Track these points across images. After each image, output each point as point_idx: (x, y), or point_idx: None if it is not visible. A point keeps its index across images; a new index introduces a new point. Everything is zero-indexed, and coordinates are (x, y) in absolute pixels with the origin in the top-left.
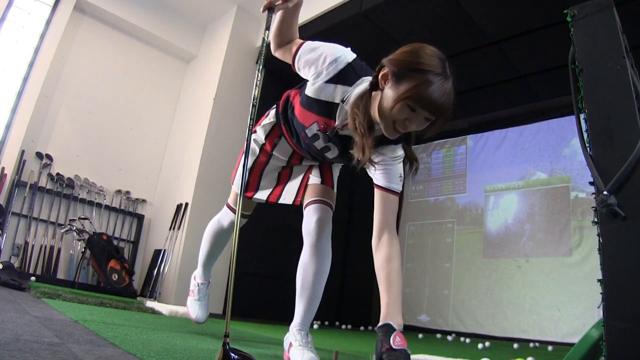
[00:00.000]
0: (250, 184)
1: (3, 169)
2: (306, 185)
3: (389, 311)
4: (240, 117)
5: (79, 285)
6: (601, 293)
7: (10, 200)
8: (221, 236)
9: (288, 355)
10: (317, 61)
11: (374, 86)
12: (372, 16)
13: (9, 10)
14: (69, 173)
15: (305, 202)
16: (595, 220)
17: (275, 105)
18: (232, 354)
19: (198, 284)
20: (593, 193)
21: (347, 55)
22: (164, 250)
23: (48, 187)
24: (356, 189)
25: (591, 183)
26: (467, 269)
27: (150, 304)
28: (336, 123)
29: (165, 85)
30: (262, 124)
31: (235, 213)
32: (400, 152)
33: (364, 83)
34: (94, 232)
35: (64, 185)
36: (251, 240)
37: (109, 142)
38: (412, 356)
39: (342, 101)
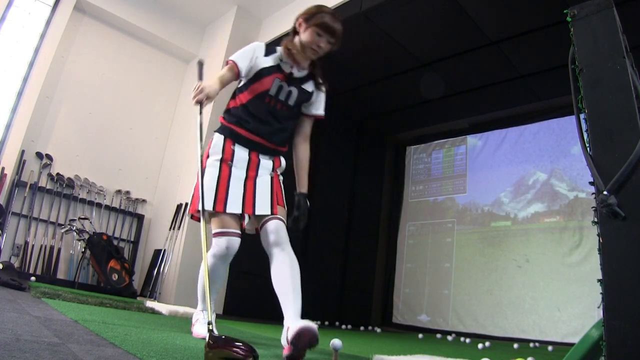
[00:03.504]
0: (219, 198)
1: (3, 169)
2: (277, 198)
3: (304, 183)
4: None
5: (79, 285)
6: (601, 293)
7: (10, 200)
8: (222, 266)
9: (289, 347)
10: (250, 54)
11: (294, 33)
12: (372, 16)
13: (9, 10)
14: (69, 173)
15: (261, 221)
16: (595, 220)
17: (214, 132)
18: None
19: (202, 312)
20: (593, 193)
21: (261, 42)
22: (164, 250)
23: (48, 187)
24: (356, 192)
25: (591, 183)
26: (467, 269)
27: (150, 304)
28: (287, 71)
29: (165, 85)
30: (212, 150)
31: (225, 236)
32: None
33: (280, 48)
34: (94, 232)
35: (64, 185)
36: (251, 239)
37: (109, 142)
38: (412, 356)
39: (281, 60)
